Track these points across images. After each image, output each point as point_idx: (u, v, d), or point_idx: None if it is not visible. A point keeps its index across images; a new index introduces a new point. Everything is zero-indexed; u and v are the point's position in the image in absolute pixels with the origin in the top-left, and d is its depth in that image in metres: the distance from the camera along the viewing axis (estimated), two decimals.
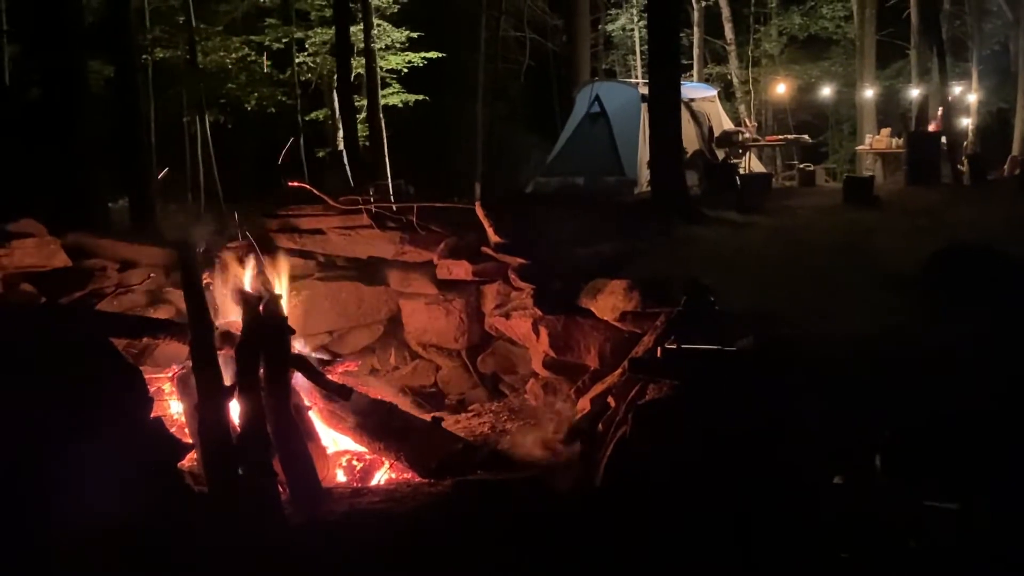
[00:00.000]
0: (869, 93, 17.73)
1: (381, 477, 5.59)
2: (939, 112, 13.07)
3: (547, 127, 19.02)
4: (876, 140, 14.51)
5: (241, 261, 6.47)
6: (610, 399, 5.53)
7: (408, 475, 5.47)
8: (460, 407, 7.60)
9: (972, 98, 14.91)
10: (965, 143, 13.29)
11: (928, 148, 11.88)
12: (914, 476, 3.88)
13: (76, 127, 10.55)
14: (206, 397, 4.68)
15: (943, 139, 12.09)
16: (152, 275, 8.00)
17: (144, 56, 15.23)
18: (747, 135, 14.03)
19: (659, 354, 4.76)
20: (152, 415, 4.53)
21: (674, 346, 4.69)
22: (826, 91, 19.26)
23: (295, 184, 9.56)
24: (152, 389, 5.87)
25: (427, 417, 6.37)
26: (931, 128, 12.60)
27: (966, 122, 14.46)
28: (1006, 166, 12.32)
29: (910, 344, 5.44)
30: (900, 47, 18.39)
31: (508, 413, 6.82)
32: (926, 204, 9.76)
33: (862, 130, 17.43)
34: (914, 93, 14.99)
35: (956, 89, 14.53)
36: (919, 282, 6.61)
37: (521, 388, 7.31)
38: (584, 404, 5.98)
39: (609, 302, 6.32)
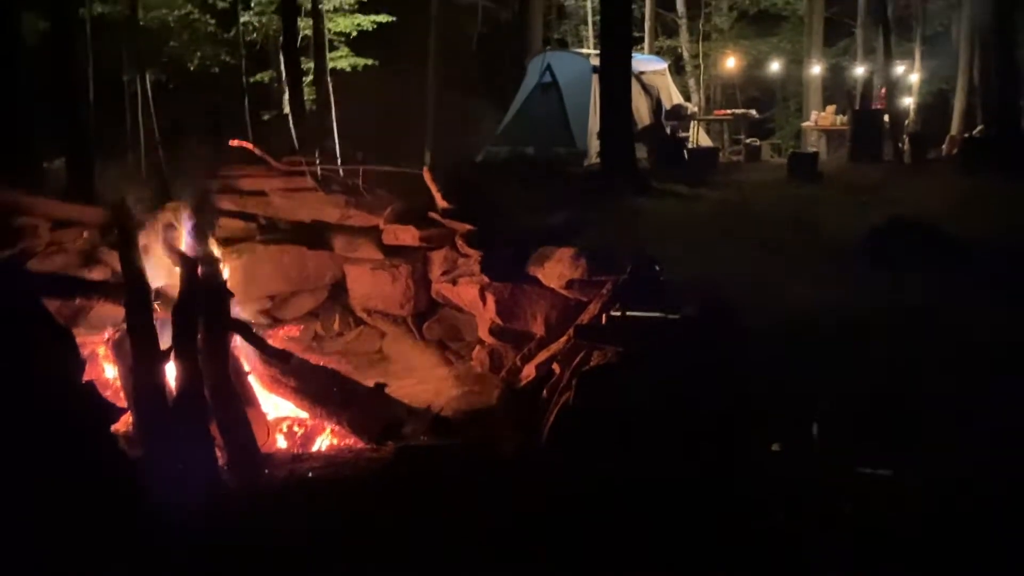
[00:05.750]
0: (816, 70, 17.91)
1: (323, 443, 5.53)
2: (882, 91, 13.24)
3: (498, 96, 18.82)
4: (821, 117, 14.68)
5: (179, 222, 6.31)
6: (555, 366, 5.54)
7: (350, 441, 5.42)
8: (405, 374, 7.54)
9: (915, 78, 15.13)
10: (907, 121, 13.49)
11: (871, 126, 12.10)
12: (849, 444, 3.97)
13: (8, 83, 10.09)
14: (141, 361, 4.55)
15: (886, 117, 12.30)
16: (86, 234, 7.74)
17: (81, 10, 14.63)
18: (695, 110, 14.11)
19: (604, 321, 4.78)
20: (85, 379, 4.40)
21: (619, 313, 4.72)
22: (774, 67, 19.42)
23: (236, 143, 9.24)
24: (86, 352, 5.72)
25: (370, 383, 6.30)
26: (875, 106, 12.78)
27: (908, 101, 14.70)
28: (945, 145, 12.56)
29: (849, 315, 5.55)
30: (847, 25, 18.59)
31: (453, 380, 6.78)
32: (868, 180, 9.95)
33: (808, 107, 17.59)
34: (859, 71, 15.19)
35: (899, 68, 14.74)
36: (859, 256, 6.76)
37: (467, 355, 7.28)
38: (529, 371, 5.98)
39: (556, 270, 6.32)
